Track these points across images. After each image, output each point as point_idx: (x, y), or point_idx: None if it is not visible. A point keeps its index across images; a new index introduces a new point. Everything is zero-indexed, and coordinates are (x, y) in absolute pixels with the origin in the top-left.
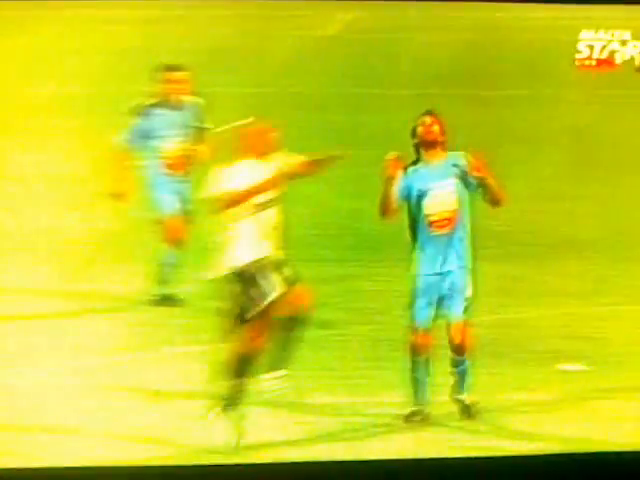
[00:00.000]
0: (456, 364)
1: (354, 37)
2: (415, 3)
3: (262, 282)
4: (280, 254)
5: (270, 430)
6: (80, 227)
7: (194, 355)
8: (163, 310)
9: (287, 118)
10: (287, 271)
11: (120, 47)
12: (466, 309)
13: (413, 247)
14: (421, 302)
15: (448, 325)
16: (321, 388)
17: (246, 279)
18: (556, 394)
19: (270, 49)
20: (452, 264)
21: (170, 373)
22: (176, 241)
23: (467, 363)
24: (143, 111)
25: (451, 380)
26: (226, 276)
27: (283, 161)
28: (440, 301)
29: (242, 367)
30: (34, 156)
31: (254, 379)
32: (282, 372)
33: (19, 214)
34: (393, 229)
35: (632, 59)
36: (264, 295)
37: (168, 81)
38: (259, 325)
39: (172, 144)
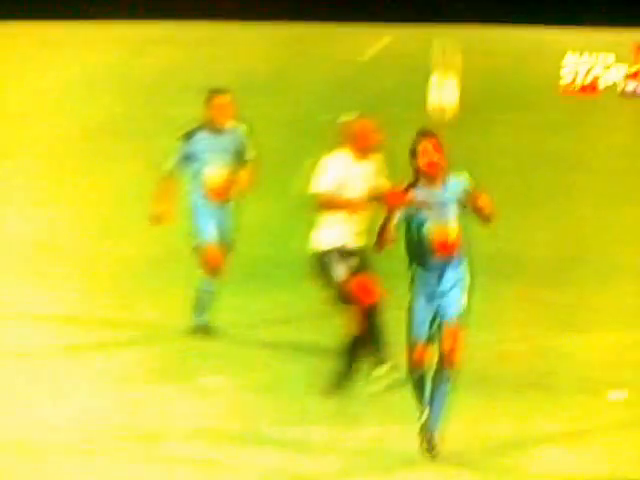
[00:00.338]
0: (438, 381)
1: (389, 62)
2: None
3: (332, 268)
4: (357, 244)
5: None
6: (119, 253)
7: (229, 386)
8: (200, 340)
9: (321, 144)
10: (354, 261)
11: (161, 68)
12: (460, 316)
13: (411, 269)
14: (419, 318)
15: (440, 330)
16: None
17: (322, 264)
18: (598, 423)
19: (307, 74)
20: (450, 282)
21: (205, 405)
22: (214, 270)
23: (448, 385)
24: (188, 135)
25: (426, 410)
26: (310, 258)
27: (378, 168)
28: (436, 313)
29: (349, 349)
30: (73, 179)
31: (365, 378)
32: (386, 365)
33: (57, 238)
34: None
35: (615, 85)
36: (331, 280)
37: (212, 105)
38: (349, 309)
39: (214, 169)
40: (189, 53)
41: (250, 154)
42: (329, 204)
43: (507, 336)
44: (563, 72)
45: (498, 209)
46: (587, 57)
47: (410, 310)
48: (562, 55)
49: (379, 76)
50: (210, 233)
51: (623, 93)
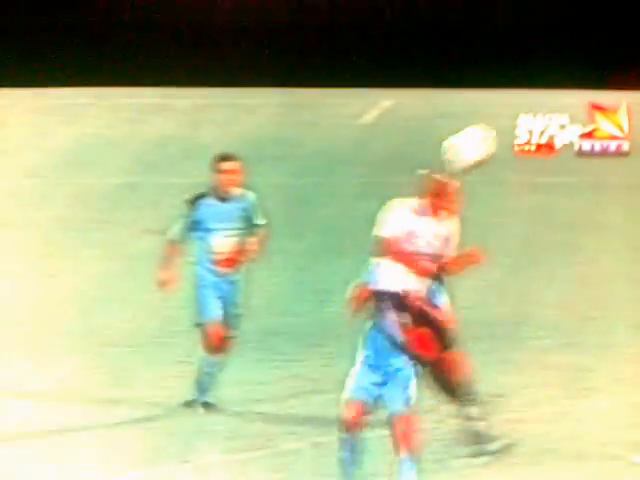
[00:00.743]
0: (403, 470)
1: (391, 124)
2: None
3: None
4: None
5: None
6: (117, 326)
7: (232, 464)
8: (201, 416)
9: (324, 207)
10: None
11: (159, 135)
12: (409, 407)
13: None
14: (360, 381)
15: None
16: None
17: (377, 306)
18: None
19: (309, 137)
20: (396, 360)
21: None
22: (215, 350)
23: (413, 472)
24: (193, 202)
25: None
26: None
27: (452, 232)
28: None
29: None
30: (70, 251)
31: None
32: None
33: (53, 311)
34: None
35: (571, 144)
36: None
37: (220, 171)
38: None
39: (221, 238)
40: (187, 120)
41: (260, 221)
42: (392, 252)
43: (524, 401)
44: (517, 132)
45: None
46: (541, 118)
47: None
48: (515, 116)
49: (379, 139)
50: (214, 310)
51: (580, 152)
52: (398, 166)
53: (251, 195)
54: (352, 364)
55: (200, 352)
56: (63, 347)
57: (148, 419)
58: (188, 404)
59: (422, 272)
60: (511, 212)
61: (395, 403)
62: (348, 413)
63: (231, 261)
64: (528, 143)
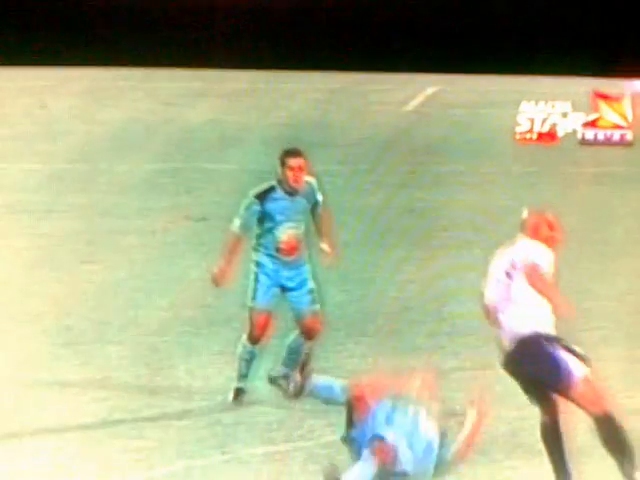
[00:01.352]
0: None
1: (436, 111)
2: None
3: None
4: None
5: None
6: (157, 315)
7: (272, 455)
8: (238, 408)
9: (368, 195)
10: None
11: (197, 120)
12: None
13: None
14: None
15: None
16: None
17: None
18: None
19: (353, 124)
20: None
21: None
22: (257, 338)
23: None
24: (261, 196)
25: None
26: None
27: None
28: None
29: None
30: (109, 238)
31: None
32: None
33: (91, 300)
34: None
35: (574, 132)
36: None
37: (287, 167)
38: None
39: (287, 230)
40: (228, 105)
41: (320, 199)
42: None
43: None
44: (519, 120)
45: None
46: (543, 105)
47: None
48: (517, 104)
49: (424, 126)
50: (264, 298)
51: (583, 141)
52: (443, 155)
53: (313, 181)
54: (393, 354)
55: (243, 338)
56: (102, 336)
57: (187, 410)
58: (231, 393)
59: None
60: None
61: None
62: None
63: (294, 249)
64: (530, 131)
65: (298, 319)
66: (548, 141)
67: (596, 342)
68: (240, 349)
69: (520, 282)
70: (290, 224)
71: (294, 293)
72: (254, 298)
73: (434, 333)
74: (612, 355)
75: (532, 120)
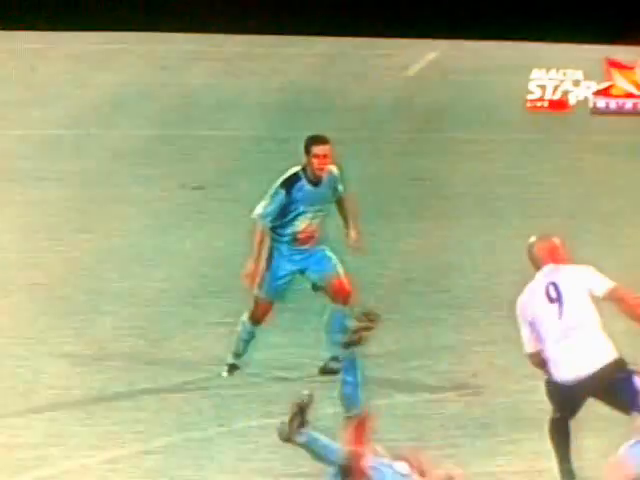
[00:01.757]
0: None
1: (437, 77)
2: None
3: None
4: None
5: None
6: (152, 286)
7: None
8: (234, 380)
9: (368, 162)
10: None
11: (194, 85)
12: None
13: None
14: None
15: None
16: None
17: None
18: None
19: (352, 89)
20: None
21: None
22: (259, 321)
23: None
24: (288, 185)
25: None
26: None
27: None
28: None
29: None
30: (104, 206)
31: None
32: None
33: (85, 270)
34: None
35: (586, 101)
36: None
37: (313, 154)
38: None
39: (309, 219)
40: (224, 69)
41: (342, 189)
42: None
43: None
44: (530, 87)
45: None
46: (554, 73)
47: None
48: (528, 71)
49: (425, 92)
50: (272, 286)
51: (595, 110)
52: (443, 121)
53: (335, 170)
54: (393, 327)
55: (244, 317)
56: (96, 307)
57: (184, 382)
58: (225, 367)
59: None
60: (521, 169)
61: None
62: None
63: (312, 239)
64: (541, 99)
65: (325, 286)
66: (559, 109)
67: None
68: (240, 327)
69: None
70: (311, 214)
71: (313, 267)
72: (261, 287)
73: (435, 305)
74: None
75: (543, 88)
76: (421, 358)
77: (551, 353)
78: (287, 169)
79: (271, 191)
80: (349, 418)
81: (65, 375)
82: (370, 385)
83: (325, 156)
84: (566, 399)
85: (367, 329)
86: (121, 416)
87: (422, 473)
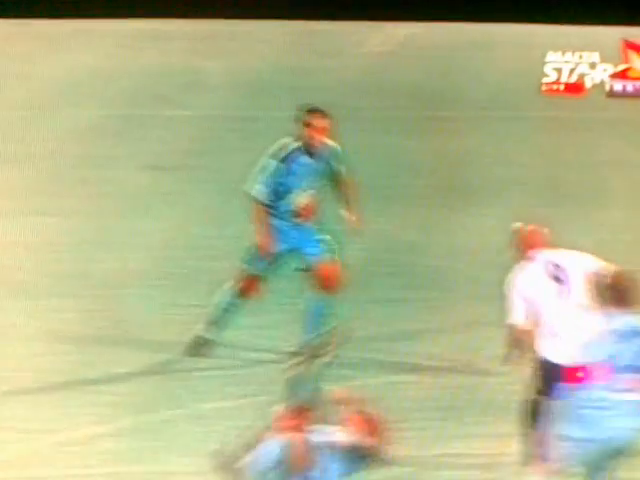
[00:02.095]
0: None
1: (409, 54)
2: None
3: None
4: None
5: None
6: (113, 267)
7: (225, 411)
8: (198, 362)
9: (338, 142)
10: None
11: (161, 64)
12: None
13: None
14: None
15: None
16: None
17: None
18: None
19: (320, 68)
20: None
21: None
22: (247, 295)
23: None
24: (281, 158)
25: None
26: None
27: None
28: None
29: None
30: (69, 187)
31: None
32: None
33: (51, 251)
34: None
35: (602, 83)
36: None
37: (311, 127)
38: None
39: (306, 193)
40: (189, 48)
41: (343, 170)
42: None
43: None
44: (545, 70)
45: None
46: (570, 56)
47: None
48: (544, 53)
49: (396, 70)
50: (259, 264)
51: (611, 93)
52: (416, 99)
53: (336, 147)
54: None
55: (227, 287)
56: (56, 290)
57: (144, 364)
58: (191, 342)
59: None
60: (535, 151)
61: None
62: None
63: (311, 213)
64: (557, 82)
65: (314, 270)
66: (575, 93)
67: None
68: (222, 298)
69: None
70: (310, 188)
71: (307, 248)
72: (251, 261)
73: (397, 286)
74: None
75: (559, 71)
76: (382, 340)
77: (552, 331)
78: (256, 148)
79: (266, 165)
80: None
81: (25, 357)
82: (331, 367)
83: (325, 129)
84: (554, 380)
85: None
86: (78, 397)
87: (371, 431)
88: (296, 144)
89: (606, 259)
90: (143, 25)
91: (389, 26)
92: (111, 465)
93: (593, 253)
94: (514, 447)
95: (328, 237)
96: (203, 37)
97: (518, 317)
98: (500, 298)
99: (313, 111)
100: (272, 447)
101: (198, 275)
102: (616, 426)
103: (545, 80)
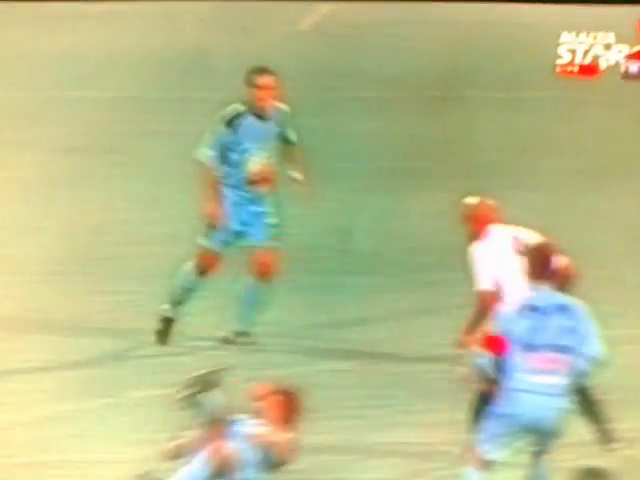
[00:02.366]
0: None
1: (330, 31)
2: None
3: None
4: None
5: None
6: (30, 254)
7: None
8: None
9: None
10: None
11: (74, 44)
12: None
13: None
14: None
15: None
16: None
17: None
18: None
19: (240, 45)
20: None
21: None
22: (205, 273)
23: None
24: (228, 121)
25: None
26: None
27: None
28: None
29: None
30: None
31: None
32: None
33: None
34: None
35: (617, 65)
36: None
37: (257, 86)
38: None
39: (258, 158)
40: (103, 27)
41: (293, 137)
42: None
43: None
44: (560, 51)
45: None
46: (585, 37)
47: None
48: (558, 34)
49: (319, 47)
50: (218, 237)
51: (626, 74)
52: (341, 78)
53: (285, 109)
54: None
55: (187, 267)
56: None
57: (67, 352)
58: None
59: None
60: (549, 134)
61: None
62: None
63: (266, 181)
64: (571, 63)
65: (254, 255)
66: (589, 74)
67: None
68: (182, 277)
69: None
70: (262, 153)
71: (253, 229)
72: (208, 237)
73: (335, 271)
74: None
75: (573, 52)
76: (321, 327)
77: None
78: (180, 131)
79: (212, 130)
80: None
81: None
82: (265, 354)
83: (269, 87)
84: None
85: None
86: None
87: (289, 420)
88: (243, 107)
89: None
90: (61, 5)
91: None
92: (31, 454)
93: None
94: (451, 436)
95: (276, 221)
96: (114, 16)
97: (483, 282)
98: (443, 284)
99: (256, 69)
100: (196, 467)
101: (123, 261)
102: (537, 406)
103: (559, 62)
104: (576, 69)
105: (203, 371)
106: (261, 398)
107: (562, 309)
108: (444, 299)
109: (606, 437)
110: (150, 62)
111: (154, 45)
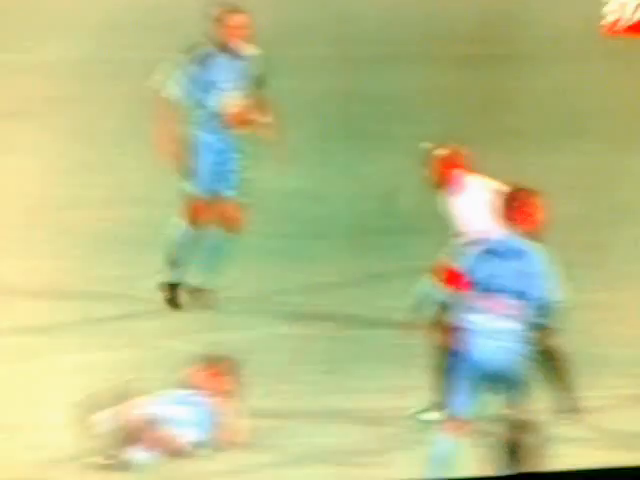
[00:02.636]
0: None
1: None
2: None
3: None
4: None
5: None
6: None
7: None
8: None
9: None
10: None
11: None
12: None
13: None
14: None
15: None
16: None
17: None
18: None
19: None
20: None
21: None
22: (195, 222)
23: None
24: (197, 59)
25: None
26: None
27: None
28: None
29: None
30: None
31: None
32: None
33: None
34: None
35: None
36: None
37: (227, 26)
38: None
39: (232, 98)
40: None
41: (263, 76)
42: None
43: None
44: (606, 9)
45: None
46: None
47: None
48: None
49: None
50: (204, 182)
51: None
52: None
53: (256, 51)
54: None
55: (177, 222)
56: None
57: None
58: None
59: None
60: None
61: None
62: None
63: (242, 121)
64: (618, 21)
65: (221, 205)
66: (638, 33)
67: None
68: (177, 235)
69: None
70: (235, 92)
71: (223, 177)
72: (193, 179)
73: (287, 235)
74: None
75: (621, 8)
76: (273, 291)
77: None
78: (112, 93)
79: (179, 68)
80: None
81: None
82: (213, 318)
83: (241, 27)
84: None
85: None
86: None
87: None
88: (210, 46)
89: None
90: None
91: None
92: None
93: None
94: (403, 402)
95: (248, 175)
96: None
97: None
98: (400, 247)
99: (228, 9)
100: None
101: (57, 225)
102: (494, 351)
103: (605, 21)
104: (623, 28)
105: None
106: (199, 372)
107: (521, 254)
108: (400, 263)
109: (571, 405)
110: (85, 23)
111: (90, 4)
